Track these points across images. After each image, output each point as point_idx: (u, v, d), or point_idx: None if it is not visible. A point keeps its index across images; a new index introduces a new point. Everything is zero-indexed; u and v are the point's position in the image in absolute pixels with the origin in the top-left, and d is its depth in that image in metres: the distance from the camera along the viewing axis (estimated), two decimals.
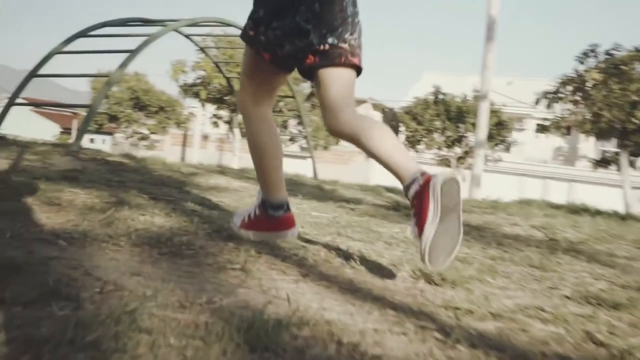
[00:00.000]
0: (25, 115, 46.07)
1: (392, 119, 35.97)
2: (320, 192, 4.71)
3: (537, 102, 13.59)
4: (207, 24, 6.51)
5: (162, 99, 28.71)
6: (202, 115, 25.70)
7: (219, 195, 3.45)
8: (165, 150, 37.90)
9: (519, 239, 2.88)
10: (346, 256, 1.91)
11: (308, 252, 1.90)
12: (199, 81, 16.51)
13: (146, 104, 28.64)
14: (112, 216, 2.09)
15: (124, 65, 5.02)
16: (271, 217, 1.89)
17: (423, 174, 1.56)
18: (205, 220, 2.35)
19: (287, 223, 1.90)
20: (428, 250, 1.49)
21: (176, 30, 7.00)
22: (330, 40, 1.64)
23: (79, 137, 4.62)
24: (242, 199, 3.37)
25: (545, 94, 13.44)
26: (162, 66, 17.14)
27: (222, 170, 5.52)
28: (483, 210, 4.68)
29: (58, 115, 51.42)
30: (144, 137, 30.31)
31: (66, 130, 47.72)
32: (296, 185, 4.99)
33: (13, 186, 2.51)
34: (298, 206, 3.36)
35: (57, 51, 5.53)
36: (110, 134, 36.96)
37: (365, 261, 1.86)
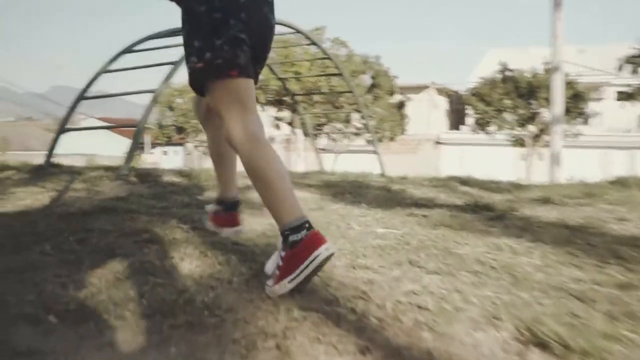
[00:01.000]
0: (101, 132, 48.30)
1: (458, 103, 34.72)
2: (387, 195, 4.22)
3: (620, 67, 12.41)
4: None
5: None
6: (265, 118, 25.79)
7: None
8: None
9: None
10: (421, 306, 1.44)
11: (370, 305, 1.44)
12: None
13: None
14: (131, 266, 1.73)
15: (167, 78, 4.74)
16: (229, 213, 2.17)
17: (310, 228, 1.54)
18: (246, 257, 1.95)
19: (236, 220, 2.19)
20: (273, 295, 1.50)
21: None
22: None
23: (128, 159, 4.37)
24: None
25: (630, 59, 12.24)
26: None
27: None
28: (577, 201, 4.03)
29: (129, 131, 53.31)
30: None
31: (139, 145, 49.53)
32: (361, 189, 4.54)
33: (30, 232, 2.21)
34: (361, 219, 2.91)
35: (103, 70, 5.35)
36: (181, 144, 37.77)
37: (447, 314, 1.38)
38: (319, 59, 12.07)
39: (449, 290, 1.59)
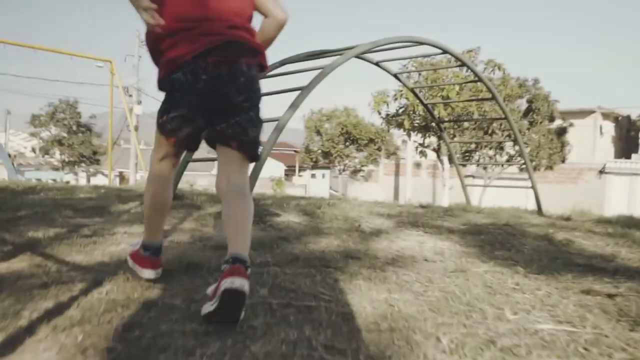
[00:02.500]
0: None
1: (628, 128, 30.94)
2: (549, 250, 3.33)
3: None
4: (396, 46, 5.58)
5: (371, 131, 28.79)
6: (412, 144, 24.98)
7: (396, 276, 2.40)
8: (379, 181, 38.16)
9: None
10: None
11: None
12: (401, 110, 15.71)
13: (356, 138, 29.01)
14: None
15: (294, 105, 4.32)
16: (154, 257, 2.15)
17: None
18: None
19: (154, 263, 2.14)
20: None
21: (361, 58, 6.22)
22: None
23: None
24: (429, 288, 2.25)
25: None
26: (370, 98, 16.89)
27: (418, 222, 4.44)
28: None
29: (281, 154, 55.94)
30: (355, 171, 30.76)
31: (290, 168, 51.48)
32: (515, 238, 3.68)
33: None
34: (517, 298, 2.14)
35: None
36: (328, 168, 38.19)
37: None
38: (470, 82, 11.17)
39: None
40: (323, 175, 51.61)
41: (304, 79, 4.77)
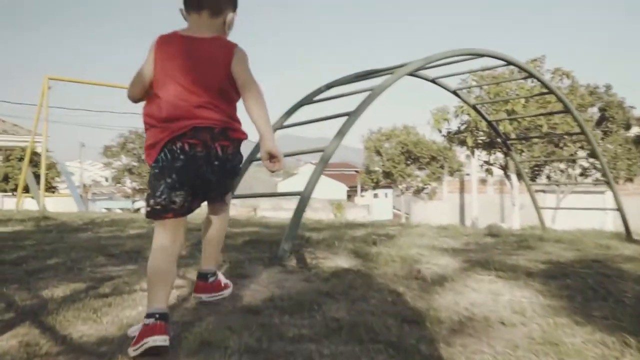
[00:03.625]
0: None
1: None
2: None
3: None
4: (453, 60, 5.04)
5: (432, 148, 27.93)
6: (476, 160, 23.95)
7: (466, 354, 1.88)
8: (444, 199, 36.97)
9: None
10: None
11: None
12: (463, 127, 14.90)
13: (417, 156, 28.22)
14: None
15: (341, 133, 3.87)
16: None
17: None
18: None
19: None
20: None
21: (416, 76, 5.71)
22: None
23: (288, 239, 3.56)
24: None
25: None
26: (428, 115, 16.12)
27: (489, 261, 3.86)
28: None
29: (342, 175, 55.75)
30: (418, 190, 29.90)
31: (352, 188, 51.04)
32: (609, 281, 3.06)
33: None
34: None
35: (278, 126, 4.74)
36: (390, 187, 37.33)
37: None
38: (539, 94, 10.35)
39: None
40: (386, 195, 50.84)
41: (353, 103, 4.33)
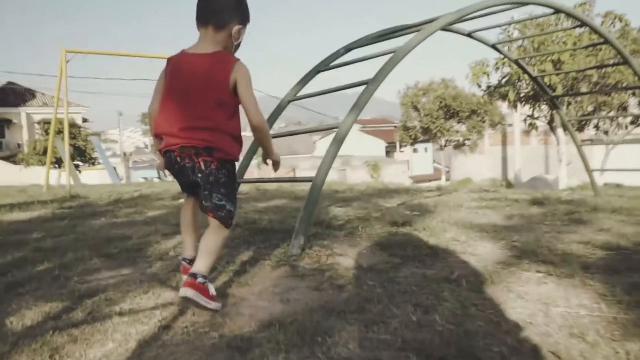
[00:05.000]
0: (355, 135, 50.21)
1: None
2: None
3: None
4: (491, 11, 4.37)
5: (472, 102, 26.78)
6: (519, 115, 22.75)
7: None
8: (485, 153, 35.81)
9: None
10: None
11: None
12: (505, 80, 13.90)
13: (457, 111, 27.15)
14: None
15: (358, 106, 3.32)
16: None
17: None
18: None
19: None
20: None
21: (449, 31, 5.05)
22: None
23: (298, 235, 3.10)
24: None
25: None
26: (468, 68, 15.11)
27: (538, 247, 3.31)
28: None
29: (380, 131, 54.76)
30: (458, 145, 28.92)
31: (391, 144, 50.08)
32: None
33: None
34: None
35: (291, 98, 4.22)
36: (429, 141, 36.10)
37: None
38: (591, 45, 9.40)
39: None
40: (425, 150, 49.69)
41: (377, 66, 3.76)
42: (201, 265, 2.27)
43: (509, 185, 27.54)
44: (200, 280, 2.23)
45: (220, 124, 2.29)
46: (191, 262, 2.47)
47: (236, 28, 2.36)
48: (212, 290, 2.32)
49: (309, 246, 3.17)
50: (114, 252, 3.54)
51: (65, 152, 9.84)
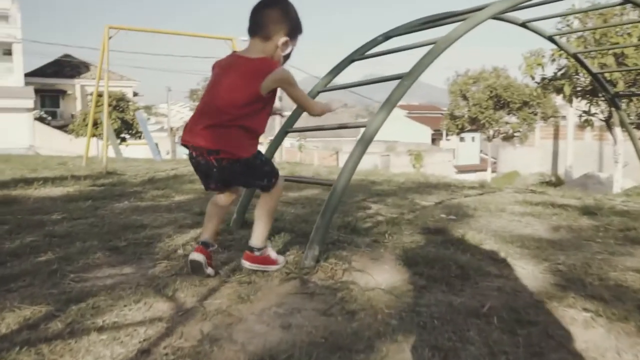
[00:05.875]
0: (401, 120, 49.39)
1: None
2: None
3: None
4: (544, 0, 3.91)
5: (524, 92, 25.68)
6: (574, 110, 21.67)
7: None
8: (535, 145, 34.53)
9: None
10: None
11: None
12: (561, 73, 13.08)
13: (507, 101, 26.12)
14: None
15: (390, 102, 2.97)
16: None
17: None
18: None
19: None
20: None
21: (500, 19, 4.61)
22: None
23: (313, 244, 2.79)
24: None
25: None
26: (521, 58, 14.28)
27: (586, 276, 2.92)
28: None
29: (427, 118, 53.72)
30: (507, 137, 27.87)
31: (437, 132, 49.02)
32: None
33: None
34: None
35: (320, 88, 3.90)
36: (477, 130, 35.02)
37: None
38: None
39: None
40: (473, 139, 48.42)
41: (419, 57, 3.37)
42: (255, 238, 2.64)
43: (559, 180, 26.44)
44: (256, 253, 2.63)
45: (240, 124, 2.43)
46: (203, 244, 2.67)
47: (282, 40, 2.47)
48: (273, 254, 2.71)
49: (325, 257, 2.86)
50: (121, 245, 3.34)
51: (105, 126, 9.82)
